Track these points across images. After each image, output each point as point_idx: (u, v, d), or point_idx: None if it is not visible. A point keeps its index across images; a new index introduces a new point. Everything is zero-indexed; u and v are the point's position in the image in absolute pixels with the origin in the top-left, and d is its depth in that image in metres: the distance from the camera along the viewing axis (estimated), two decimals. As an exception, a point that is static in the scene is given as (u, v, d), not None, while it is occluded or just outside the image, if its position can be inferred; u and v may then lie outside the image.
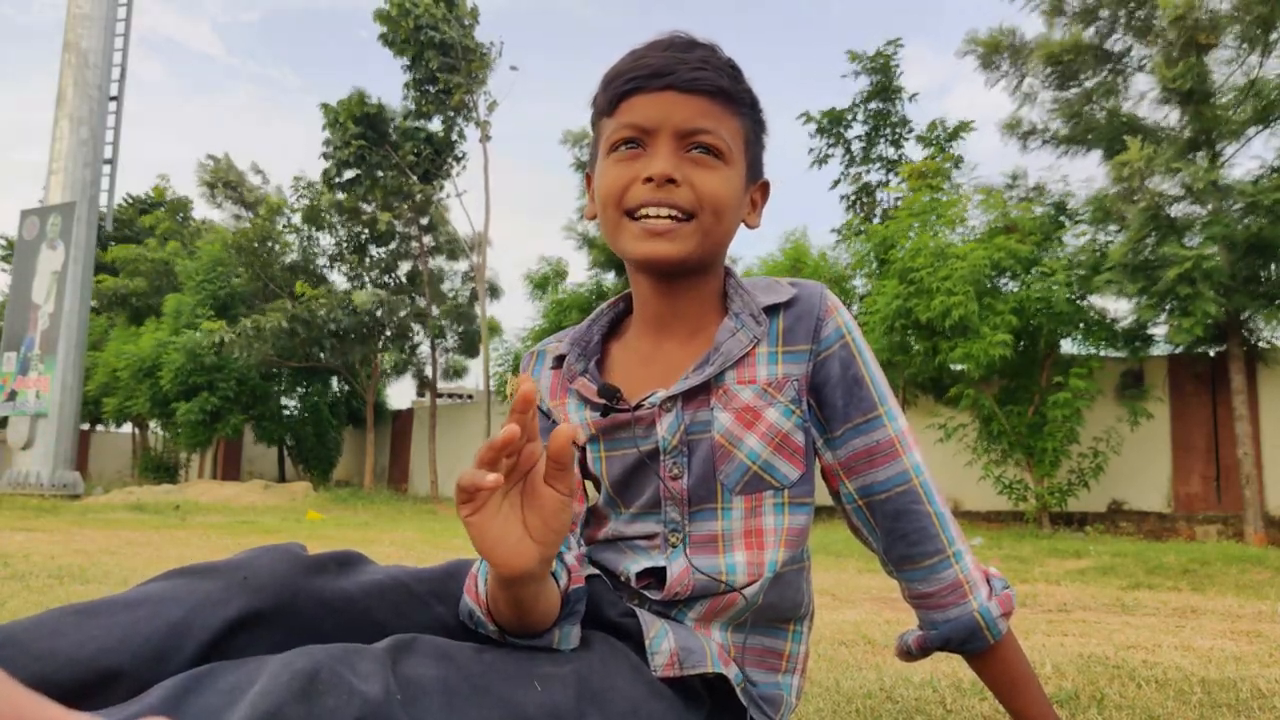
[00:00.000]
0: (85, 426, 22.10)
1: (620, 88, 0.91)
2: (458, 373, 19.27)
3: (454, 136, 16.73)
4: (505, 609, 0.82)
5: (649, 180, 0.90)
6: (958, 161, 11.59)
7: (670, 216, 0.90)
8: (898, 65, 13.10)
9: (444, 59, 15.24)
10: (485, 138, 16.15)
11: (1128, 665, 2.00)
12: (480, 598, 0.87)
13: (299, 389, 19.71)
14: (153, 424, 20.72)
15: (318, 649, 0.67)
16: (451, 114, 16.26)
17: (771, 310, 0.97)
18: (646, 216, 0.91)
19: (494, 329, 17.12)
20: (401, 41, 15.25)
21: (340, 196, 16.98)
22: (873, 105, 13.28)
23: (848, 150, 13.62)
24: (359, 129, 15.86)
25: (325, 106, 16.10)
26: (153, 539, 6.48)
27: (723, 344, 0.95)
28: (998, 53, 9.98)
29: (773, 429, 0.93)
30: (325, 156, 16.52)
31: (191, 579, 0.79)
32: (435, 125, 16.59)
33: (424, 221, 17.60)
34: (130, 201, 24.95)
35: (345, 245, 18.20)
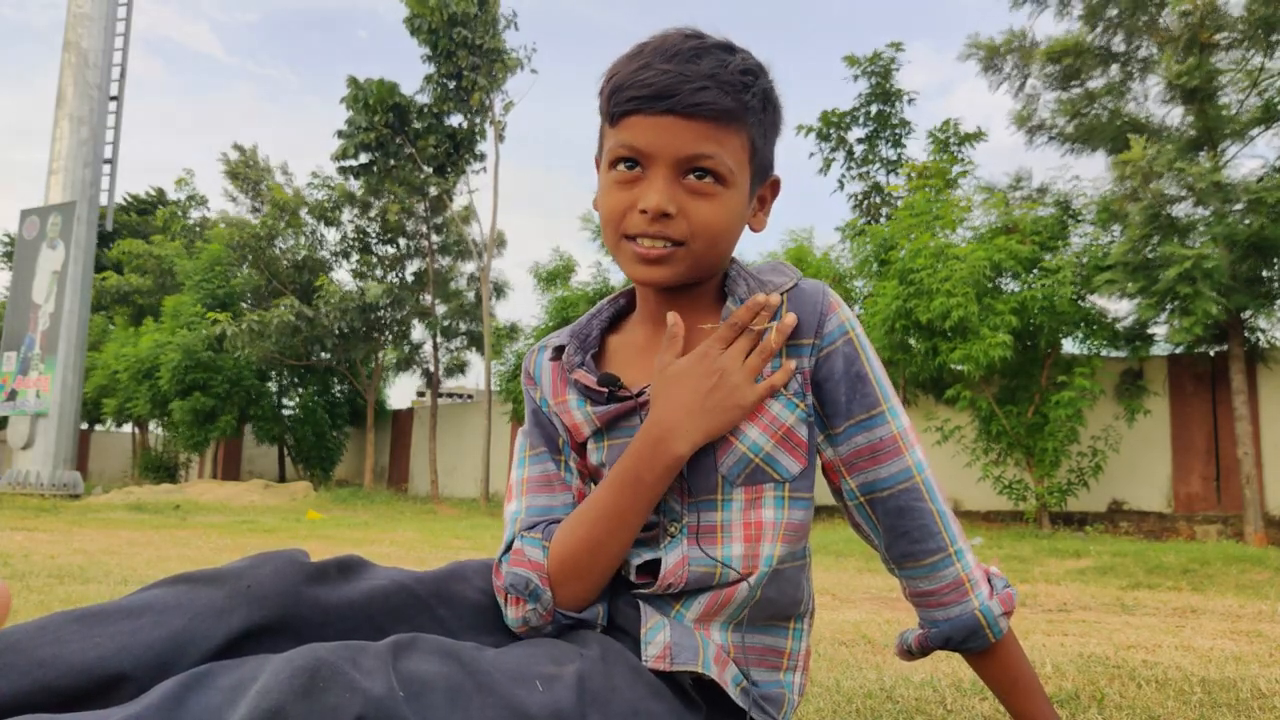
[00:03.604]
0: (85, 426, 22.10)
1: (620, 105, 0.89)
2: (460, 369, 19.23)
3: (474, 134, 16.62)
4: (628, 532, 0.91)
5: (645, 211, 0.89)
6: (963, 164, 11.54)
7: (664, 243, 0.90)
8: (898, 68, 13.13)
9: (472, 58, 15.16)
10: (500, 138, 16.13)
11: (1128, 665, 2.00)
12: (537, 564, 0.91)
13: (299, 388, 19.68)
14: (152, 424, 20.72)
15: (320, 646, 0.67)
16: (472, 112, 16.20)
17: None
18: (640, 243, 0.91)
19: (511, 332, 17.00)
20: (429, 31, 15.04)
21: (354, 185, 16.87)
22: (873, 108, 13.30)
23: (849, 153, 13.65)
24: (387, 115, 15.66)
25: (353, 81, 15.81)
26: (153, 539, 6.48)
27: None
28: (999, 55, 9.97)
29: (775, 422, 0.93)
30: (341, 135, 16.28)
31: (194, 586, 0.79)
32: (454, 122, 16.46)
33: (437, 221, 17.56)
34: (130, 201, 24.91)
35: (352, 243, 18.12)
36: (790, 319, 0.92)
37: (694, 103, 0.86)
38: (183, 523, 9.18)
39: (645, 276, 0.92)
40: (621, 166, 0.91)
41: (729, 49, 0.90)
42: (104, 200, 15.37)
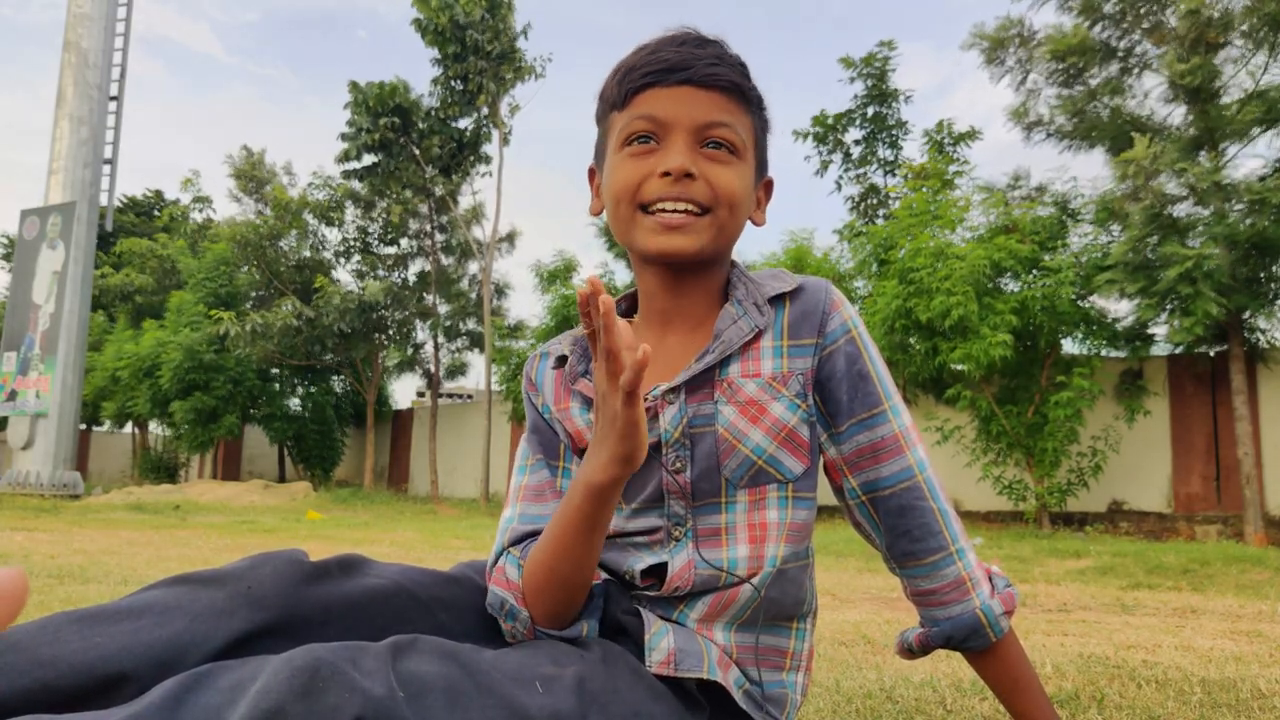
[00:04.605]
0: (84, 427, 22.08)
1: (635, 81, 0.91)
2: (461, 370, 19.21)
3: (479, 136, 16.56)
4: (570, 559, 0.85)
5: (665, 175, 0.90)
6: (960, 164, 11.53)
7: (686, 210, 0.91)
8: (893, 69, 13.14)
9: (480, 61, 15.12)
10: (505, 141, 16.11)
11: (1128, 665, 2.00)
12: (514, 584, 0.89)
13: (300, 388, 19.66)
14: (153, 424, 20.69)
15: (319, 647, 0.67)
16: (478, 114, 16.14)
17: (776, 301, 0.97)
18: (663, 210, 0.91)
19: (515, 330, 16.98)
20: (435, 32, 14.99)
21: (357, 185, 16.83)
22: (870, 109, 13.31)
23: (846, 155, 13.66)
24: (391, 119, 15.61)
25: (354, 86, 15.76)
26: (153, 539, 6.48)
27: (723, 332, 0.95)
28: (1003, 47, 9.94)
29: (778, 423, 0.93)
30: (345, 138, 16.23)
31: (194, 588, 0.79)
32: (460, 124, 16.41)
33: (442, 221, 17.54)
34: (125, 203, 24.85)
35: (354, 243, 18.10)
36: (606, 305, 0.72)
37: (709, 73, 0.91)
38: (183, 523, 9.18)
39: (666, 246, 0.91)
40: (636, 142, 0.93)
41: (725, 44, 0.96)
42: (104, 200, 15.37)
